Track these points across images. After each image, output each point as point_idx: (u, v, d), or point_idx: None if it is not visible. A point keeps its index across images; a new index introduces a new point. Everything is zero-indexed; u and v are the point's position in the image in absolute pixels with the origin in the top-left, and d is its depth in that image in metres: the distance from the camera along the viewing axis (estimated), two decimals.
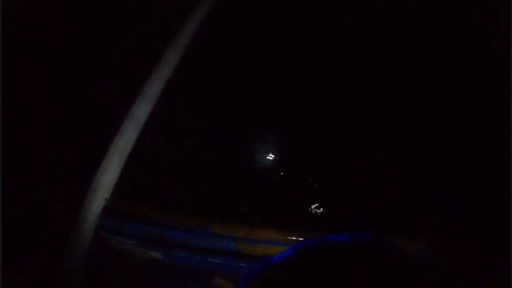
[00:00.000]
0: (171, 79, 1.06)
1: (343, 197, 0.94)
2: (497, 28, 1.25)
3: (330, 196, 0.94)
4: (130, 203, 0.82)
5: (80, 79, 1.35)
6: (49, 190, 1.04)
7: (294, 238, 0.76)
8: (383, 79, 1.26)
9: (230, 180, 0.87)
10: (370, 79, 1.27)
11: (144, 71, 1.15)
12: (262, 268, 0.43)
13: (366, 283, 0.38)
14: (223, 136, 0.96)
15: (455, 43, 1.29)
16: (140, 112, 0.94)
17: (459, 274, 0.91)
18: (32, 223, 0.96)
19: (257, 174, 0.91)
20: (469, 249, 0.92)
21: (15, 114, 1.23)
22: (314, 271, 0.40)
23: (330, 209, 0.91)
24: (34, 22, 1.45)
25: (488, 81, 1.19)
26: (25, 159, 1.17)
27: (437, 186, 1.06)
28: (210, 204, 0.84)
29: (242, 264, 0.75)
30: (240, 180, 0.87)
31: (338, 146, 1.07)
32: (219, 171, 0.89)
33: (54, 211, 0.93)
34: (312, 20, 1.43)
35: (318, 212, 0.88)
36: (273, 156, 0.96)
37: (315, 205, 0.89)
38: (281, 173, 0.94)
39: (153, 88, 1.03)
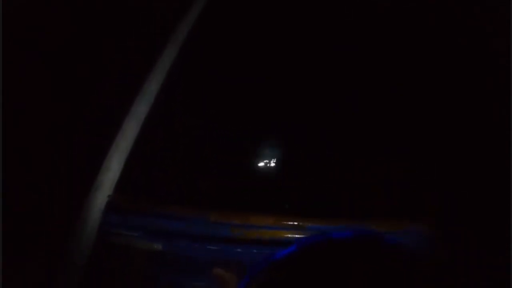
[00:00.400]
0: (169, 77, 1.10)
1: (334, 187, 0.99)
2: (497, 28, 1.25)
3: (321, 187, 0.98)
4: (132, 198, 0.87)
5: (80, 79, 1.35)
6: (49, 190, 1.05)
7: (284, 223, 0.82)
8: (383, 79, 1.27)
9: (223, 173, 0.94)
10: (370, 79, 1.27)
11: (144, 70, 1.16)
12: (265, 266, 0.43)
13: (370, 280, 0.38)
14: (216, 133, 1.01)
15: (455, 43, 1.29)
16: (140, 112, 0.98)
17: (459, 273, 0.91)
18: (32, 223, 0.98)
19: (248, 167, 0.97)
20: (469, 249, 0.92)
21: (15, 114, 1.23)
22: (318, 268, 0.40)
23: (317, 197, 0.96)
24: (34, 22, 1.45)
25: (488, 81, 1.19)
26: (25, 159, 1.17)
27: (437, 186, 1.06)
28: (207, 196, 0.90)
29: (239, 250, 0.81)
30: (233, 173, 0.94)
31: (330, 135, 1.11)
32: (213, 165, 0.95)
33: (54, 211, 0.94)
34: (311, 19, 1.43)
35: (306, 199, 0.94)
36: (264, 151, 1.02)
37: (303, 192, 0.95)
38: (270, 166, 1.00)
39: (152, 87, 1.06)
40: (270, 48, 1.27)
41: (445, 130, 1.15)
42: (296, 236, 0.82)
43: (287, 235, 0.83)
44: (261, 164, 0.99)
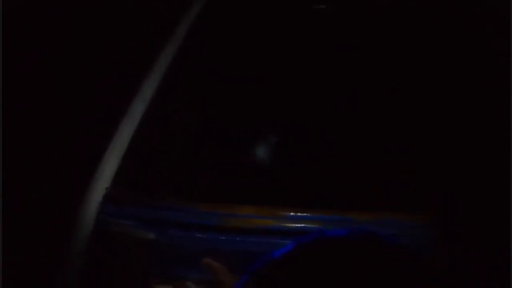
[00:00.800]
0: (165, 78, 1.15)
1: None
2: (497, 28, 1.25)
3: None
4: (127, 190, 0.94)
5: (79, 78, 1.35)
6: (49, 190, 1.06)
7: (266, 212, 0.88)
8: (384, 79, 1.27)
9: (212, 167, 1.03)
10: (370, 79, 1.27)
11: (141, 71, 1.18)
12: (263, 264, 0.43)
13: (367, 278, 0.38)
14: (206, 133, 1.10)
15: (455, 43, 1.29)
16: (136, 112, 1.05)
17: (459, 273, 0.92)
18: (32, 220, 1.00)
19: (233, 162, 1.04)
20: (469, 249, 0.93)
21: (15, 114, 1.23)
22: (316, 266, 0.40)
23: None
24: (34, 22, 1.46)
25: (488, 81, 1.19)
26: (25, 159, 1.17)
27: (437, 186, 1.06)
28: (197, 187, 0.97)
29: (223, 238, 0.87)
30: (219, 167, 1.03)
31: (312, 130, 1.15)
32: (203, 160, 1.04)
33: (54, 210, 0.97)
34: (311, 18, 1.44)
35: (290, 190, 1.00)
36: (248, 147, 1.11)
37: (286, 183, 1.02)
38: (254, 161, 1.10)
39: (149, 88, 1.12)
40: (263, 46, 1.31)
41: (445, 130, 1.15)
42: (278, 224, 0.87)
43: (268, 224, 0.87)
44: (245, 158, 1.07)
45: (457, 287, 0.85)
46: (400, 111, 1.18)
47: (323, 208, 0.87)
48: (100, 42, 1.45)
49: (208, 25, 1.36)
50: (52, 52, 1.41)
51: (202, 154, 1.05)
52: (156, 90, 1.11)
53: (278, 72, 1.25)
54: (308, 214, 0.86)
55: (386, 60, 1.29)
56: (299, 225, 0.85)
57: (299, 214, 0.87)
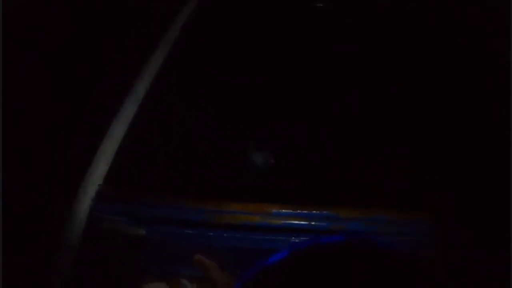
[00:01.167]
0: (156, 79, 1.17)
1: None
2: (497, 28, 1.25)
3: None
4: (119, 187, 0.96)
5: (78, 79, 1.36)
6: (49, 190, 1.07)
7: (251, 209, 0.90)
8: (384, 78, 1.27)
9: (198, 164, 1.07)
10: (371, 78, 1.27)
11: (135, 72, 1.20)
12: (257, 271, 0.42)
13: (364, 284, 0.37)
14: (194, 132, 1.14)
15: (455, 43, 1.29)
16: (127, 113, 1.08)
17: (459, 274, 0.91)
18: (30, 218, 1.01)
19: (220, 159, 1.08)
20: (469, 249, 0.92)
21: (15, 114, 1.24)
22: (310, 273, 0.39)
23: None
24: (34, 22, 1.46)
25: (488, 81, 1.19)
26: (25, 159, 1.18)
27: (437, 186, 1.06)
28: (184, 184, 1.00)
29: (211, 234, 0.90)
30: (206, 163, 1.07)
31: (298, 129, 1.17)
32: (192, 158, 1.08)
33: (54, 209, 0.99)
34: (311, 19, 1.44)
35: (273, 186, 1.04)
36: (236, 145, 1.14)
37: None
38: (240, 158, 1.13)
39: (141, 89, 1.14)
40: (255, 43, 1.33)
41: (445, 130, 1.15)
42: (264, 221, 0.89)
43: (255, 220, 0.90)
44: (233, 156, 1.11)
45: None
46: (390, 109, 1.19)
47: (308, 205, 0.89)
48: (99, 42, 1.45)
49: (204, 24, 1.38)
50: (52, 52, 1.41)
51: (191, 153, 1.08)
52: (147, 91, 1.13)
53: (268, 71, 1.27)
54: (293, 211, 0.89)
55: (386, 59, 1.29)
56: (284, 221, 0.88)
57: (283, 210, 0.89)
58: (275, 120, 1.18)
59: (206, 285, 0.87)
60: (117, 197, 0.93)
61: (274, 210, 0.89)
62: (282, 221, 0.88)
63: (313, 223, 0.88)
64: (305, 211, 0.88)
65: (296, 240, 0.89)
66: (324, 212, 0.88)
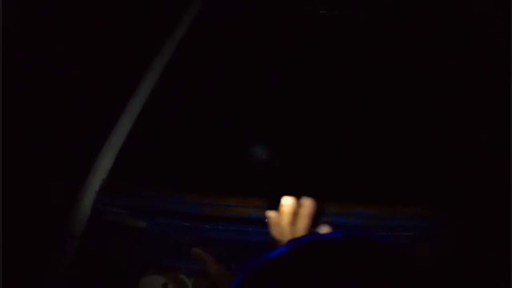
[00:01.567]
0: (160, 78, 1.23)
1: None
2: (497, 28, 1.25)
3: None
4: (122, 181, 1.02)
5: (80, 77, 1.39)
6: (55, 183, 1.13)
7: (246, 202, 0.94)
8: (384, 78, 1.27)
9: (197, 160, 1.11)
10: (371, 78, 1.28)
11: (139, 71, 1.25)
12: (257, 265, 0.43)
13: (363, 280, 0.38)
14: (193, 130, 1.18)
15: (455, 42, 1.29)
16: (131, 112, 1.14)
17: (458, 274, 0.92)
18: (38, 210, 1.07)
19: (216, 155, 1.13)
20: (469, 249, 0.93)
21: (23, 109, 1.27)
22: (310, 268, 0.40)
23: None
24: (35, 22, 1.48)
25: (488, 80, 1.19)
26: (32, 152, 1.22)
27: (436, 185, 1.06)
28: (184, 179, 1.04)
29: (207, 226, 0.94)
30: (204, 160, 1.11)
31: (292, 124, 1.20)
32: (189, 154, 1.12)
33: (59, 201, 1.05)
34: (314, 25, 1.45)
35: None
36: (232, 141, 1.18)
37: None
38: (237, 154, 1.17)
39: (146, 87, 1.20)
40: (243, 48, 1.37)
41: (445, 130, 1.15)
42: (257, 214, 0.92)
43: (249, 213, 0.93)
44: (229, 152, 1.15)
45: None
46: (377, 106, 1.20)
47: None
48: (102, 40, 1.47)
49: (208, 27, 1.42)
50: (54, 50, 1.43)
51: (190, 149, 1.13)
52: (151, 90, 1.19)
53: (264, 71, 1.31)
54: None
55: (385, 59, 1.30)
56: None
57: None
58: (269, 119, 1.21)
59: (203, 279, 0.90)
60: (119, 190, 0.98)
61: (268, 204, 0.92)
62: None
63: None
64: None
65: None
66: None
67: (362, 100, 1.22)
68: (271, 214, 0.75)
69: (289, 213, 0.73)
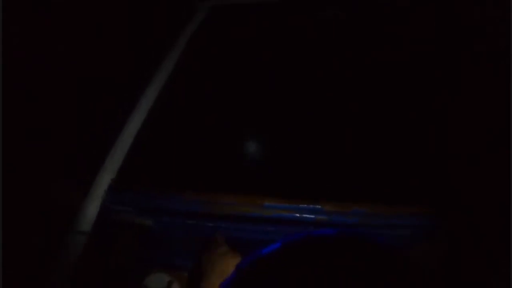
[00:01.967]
0: (165, 87, 1.26)
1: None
2: (497, 28, 1.25)
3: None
4: (130, 181, 1.04)
5: (91, 79, 1.41)
6: (67, 182, 1.16)
7: (244, 201, 0.96)
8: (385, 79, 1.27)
9: (204, 161, 1.14)
10: (372, 78, 1.28)
11: (147, 77, 1.27)
12: (250, 261, 0.43)
13: (354, 277, 0.38)
14: (195, 132, 1.21)
15: (455, 42, 1.29)
16: (138, 116, 1.18)
17: (458, 274, 0.91)
18: (49, 207, 1.09)
19: (216, 156, 1.16)
20: (469, 249, 0.92)
21: (34, 113, 1.30)
22: (302, 265, 0.40)
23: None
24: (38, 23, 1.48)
25: (488, 80, 1.19)
26: (45, 153, 1.24)
27: (436, 185, 1.06)
28: (189, 179, 1.06)
29: (210, 224, 0.96)
30: (204, 161, 1.14)
31: (288, 125, 1.22)
32: (195, 154, 1.15)
33: (70, 199, 1.07)
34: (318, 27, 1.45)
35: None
36: (231, 143, 1.21)
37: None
38: (235, 155, 1.20)
39: (153, 93, 1.24)
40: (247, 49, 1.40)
41: (445, 129, 1.15)
42: (255, 212, 0.95)
43: (247, 211, 0.95)
44: (226, 153, 1.18)
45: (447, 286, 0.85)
46: (375, 108, 1.21)
47: (296, 198, 0.95)
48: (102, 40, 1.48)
49: (214, 31, 1.46)
50: (54, 50, 1.44)
51: (192, 151, 1.15)
52: (156, 95, 1.23)
53: (261, 72, 1.33)
54: (283, 204, 0.94)
55: (385, 59, 1.30)
56: (274, 213, 0.94)
57: (273, 203, 0.94)
58: (270, 120, 1.23)
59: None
60: (127, 189, 1.01)
61: (266, 203, 0.94)
62: (273, 213, 0.94)
63: (300, 215, 0.93)
64: (294, 205, 0.94)
65: (283, 232, 0.93)
66: (311, 205, 0.94)
67: (362, 100, 1.22)
68: None
69: None
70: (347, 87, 1.27)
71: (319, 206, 0.93)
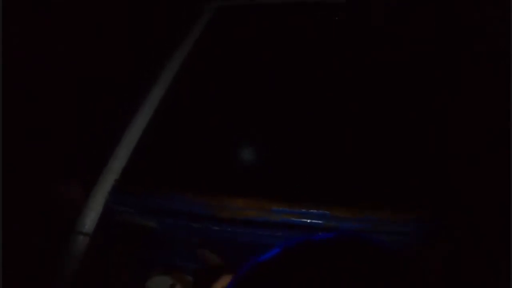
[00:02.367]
0: (169, 90, 1.27)
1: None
2: (497, 28, 1.25)
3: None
4: (133, 182, 1.04)
5: (96, 81, 1.41)
6: (71, 182, 1.15)
7: (255, 205, 0.95)
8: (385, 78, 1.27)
9: (207, 163, 1.14)
10: (372, 78, 1.28)
11: (150, 80, 1.28)
12: (250, 267, 0.43)
13: (355, 281, 0.38)
14: (198, 134, 1.21)
15: (455, 42, 1.29)
16: (142, 118, 1.18)
17: (458, 274, 0.91)
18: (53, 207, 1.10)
19: (222, 159, 1.16)
20: (469, 249, 0.92)
21: (38, 115, 1.30)
22: (302, 270, 0.40)
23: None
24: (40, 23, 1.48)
25: (488, 80, 1.19)
26: (50, 154, 1.24)
27: (436, 186, 1.06)
28: (193, 180, 1.06)
29: (216, 228, 0.95)
30: (209, 163, 1.14)
31: (295, 128, 1.22)
32: (199, 155, 1.15)
33: (74, 199, 1.08)
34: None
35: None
36: (236, 145, 1.21)
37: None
38: (241, 158, 1.20)
39: (156, 97, 1.25)
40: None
41: (445, 129, 1.15)
42: (263, 217, 0.94)
43: (254, 215, 0.94)
44: (238, 155, 1.18)
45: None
46: (382, 112, 1.20)
47: (304, 203, 0.94)
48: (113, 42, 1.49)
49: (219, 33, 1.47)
50: (54, 50, 1.44)
51: (198, 152, 1.15)
52: (161, 97, 1.24)
53: (267, 73, 1.34)
54: (290, 209, 0.94)
55: (385, 59, 1.30)
56: (282, 218, 0.93)
57: (281, 208, 0.94)
58: (279, 121, 1.23)
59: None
60: (131, 191, 1.01)
61: (274, 207, 0.93)
62: (280, 218, 0.93)
63: (308, 220, 0.92)
64: (302, 210, 0.93)
65: (291, 237, 0.92)
66: (319, 211, 0.93)
67: (362, 100, 1.22)
68: None
69: None
70: (358, 89, 1.26)
71: (328, 212, 0.92)
